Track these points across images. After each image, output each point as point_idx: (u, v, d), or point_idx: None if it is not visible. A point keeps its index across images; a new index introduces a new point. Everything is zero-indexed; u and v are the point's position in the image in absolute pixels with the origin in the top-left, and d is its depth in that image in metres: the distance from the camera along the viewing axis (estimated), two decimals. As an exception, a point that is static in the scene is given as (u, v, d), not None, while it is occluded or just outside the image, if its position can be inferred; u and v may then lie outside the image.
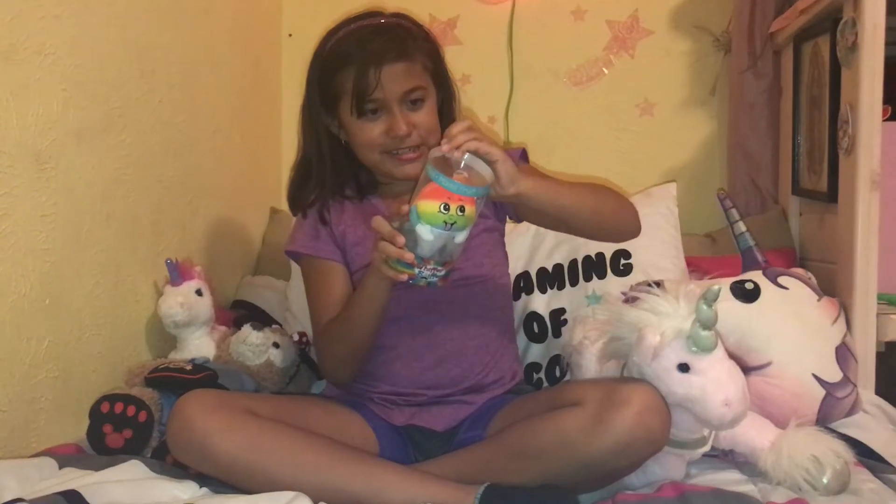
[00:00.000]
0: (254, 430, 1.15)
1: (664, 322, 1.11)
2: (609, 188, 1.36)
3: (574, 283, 1.71)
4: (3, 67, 1.20)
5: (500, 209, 1.43)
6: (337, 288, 1.39)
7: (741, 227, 1.57)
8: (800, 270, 1.58)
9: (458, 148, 1.12)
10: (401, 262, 1.13)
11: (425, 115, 1.34)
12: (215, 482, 1.16)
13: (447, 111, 1.42)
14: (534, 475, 1.12)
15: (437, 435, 1.34)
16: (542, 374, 1.65)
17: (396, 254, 1.13)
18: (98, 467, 1.16)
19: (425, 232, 1.11)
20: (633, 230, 1.37)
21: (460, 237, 1.14)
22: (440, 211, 1.10)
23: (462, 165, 1.13)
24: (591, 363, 1.32)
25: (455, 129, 1.13)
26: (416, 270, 1.14)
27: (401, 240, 1.13)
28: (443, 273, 1.15)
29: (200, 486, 1.13)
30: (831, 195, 1.67)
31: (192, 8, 1.77)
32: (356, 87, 1.30)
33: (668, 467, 1.20)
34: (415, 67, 1.33)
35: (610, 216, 1.31)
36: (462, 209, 1.11)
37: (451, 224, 1.11)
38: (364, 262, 1.36)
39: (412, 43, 1.34)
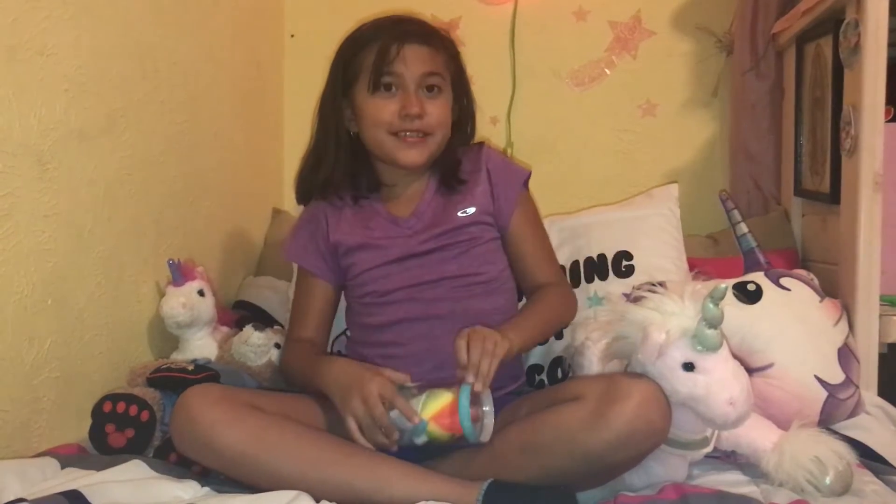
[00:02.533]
0: (258, 424, 1.15)
1: (669, 320, 1.11)
2: (568, 299, 1.47)
3: (576, 284, 1.70)
4: (6, 68, 1.20)
5: (500, 218, 1.44)
6: (315, 304, 1.45)
7: (743, 228, 1.57)
8: (802, 272, 1.58)
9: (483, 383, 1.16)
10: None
11: (439, 107, 1.37)
12: (217, 482, 1.16)
13: (464, 124, 1.44)
14: (536, 470, 1.13)
15: (438, 435, 1.34)
16: (544, 376, 1.64)
17: (382, 446, 1.17)
18: (100, 467, 1.16)
19: (421, 439, 1.17)
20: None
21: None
22: (449, 437, 1.16)
23: (483, 409, 1.17)
24: (593, 364, 1.32)
25: (483, 364, 1.17)
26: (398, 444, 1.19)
27: (394, 437, 1.17)
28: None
29: (202, 486, 1.13)
30: (834, 196, 1.67)
31: (195, 9, 1.77)
32: (377, 59, 1.33)
33: (670, 468, 1.20)
34: (438, 57, 1.37)
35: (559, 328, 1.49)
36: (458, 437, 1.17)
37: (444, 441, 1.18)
38: (359, 269, 1.39)
39: (438, 39, 1.39)
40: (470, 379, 1.16)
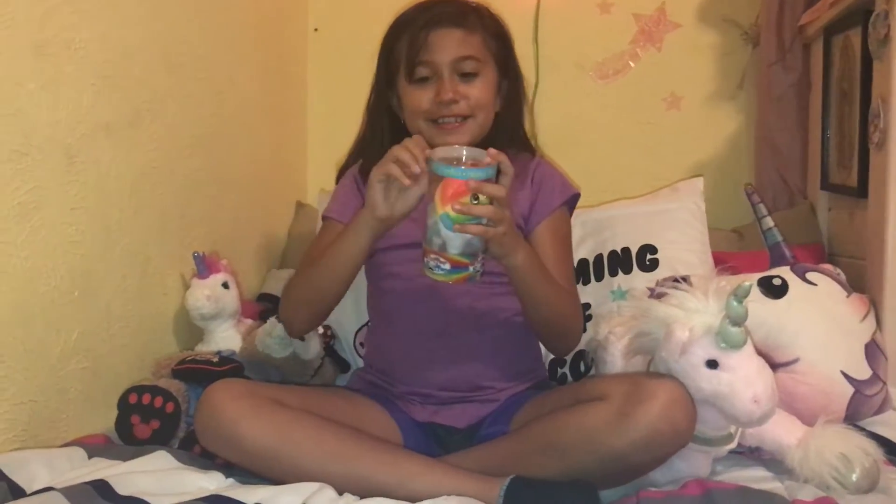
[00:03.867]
0: (281, 418, 1.15)
1: (693, 318, 1.11)
2: (578, 310, 1.38)
3: (599, 278, 1.70)
4: (34, 62, 1.21)
5: (528, 222, 1.40)
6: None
7: (769, 222, 1.55)
8: (828, 266, 1.56)
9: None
10: (456, 267, 1.12)
11: (477, 89, 1.34)
12: (241, 473, 1.17)
13: (514, 102, 1.42)
14: (557, 469, 1.12)
15: (459, 431, 1.34)
16: (566, 370, 1.64)
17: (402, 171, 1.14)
18: (126, 457, 1.17)
19: (462, 235, 1.10)
20: (560, 353, 1.45)
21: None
22: (471, 202, 1.09)
23: (464, 156, 1.12)
24: (616, 358, 1.32)
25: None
26: (471, 269, 1.13)
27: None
28: (485, 258, 1.15)
29: (227, 477, 1.14)
30: (861, 190, 1.65)
31: (219, 3, 1.78)
32: (409, 49, 1.32)
33: (693, 464, 1.19)
34: (472, 38, 1.34)
35: (555, 332, 1.34)
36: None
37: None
38: (384, 245, 1.35)
39: (476, 18, 1.35)
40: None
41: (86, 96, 1.32)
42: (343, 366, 1.71)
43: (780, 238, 1.54)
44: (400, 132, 1.37)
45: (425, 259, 1.14)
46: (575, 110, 2.19)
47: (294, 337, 1.44)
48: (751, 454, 1.30)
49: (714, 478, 1.21)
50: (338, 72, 2.24)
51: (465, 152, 1.13)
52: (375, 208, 1.20)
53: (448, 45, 1.32)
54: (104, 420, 1.35)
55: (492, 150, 1.14)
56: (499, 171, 1.14)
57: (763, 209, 1.56)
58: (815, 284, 1.44)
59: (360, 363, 1.66)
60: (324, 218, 1.44)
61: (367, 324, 1.60)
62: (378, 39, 1.41)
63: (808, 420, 1.25)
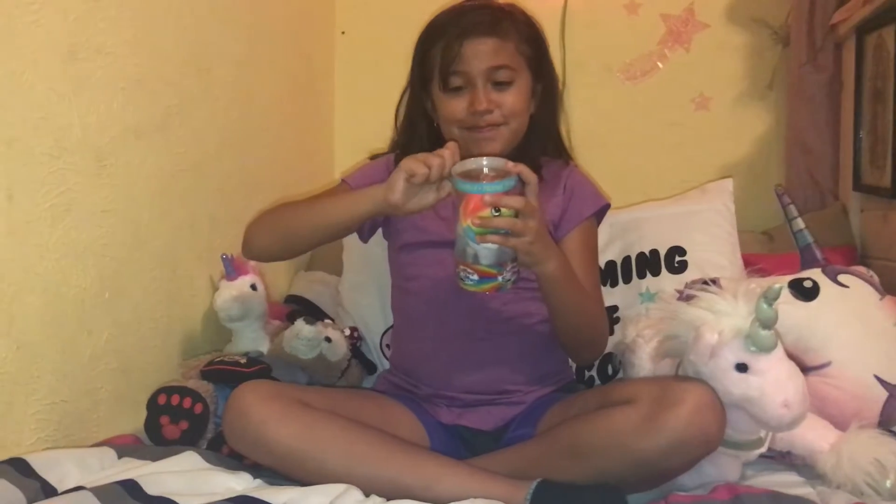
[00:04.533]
0: (308, 420, 1.16)
1: (722, 320, 1.09)
2: (604, 321, 1.40)
3: (627, 280, 1.69)
4: (66, 67, 1.23)
5: (557, 230, 1.39)
6: None
7: (800, 223, 1.53)
8: (861, 268, 1.54)
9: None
10: (484, 278, 1.14)
11: (511, 97, 1.33)
12: (269, 473, 1.17)
13: (548, 104, 1.41)
14: (585, 473, 1.11)
15: (485, 433, 1.33)
16: (593, 372, 1.63)
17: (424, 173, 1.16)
18: (155, 458, 1.18)
19: (488, 246, 1.12)
20: (585, 362, 1.54)
21: None
22: (495, 217, 1.11)
23: (485, 168, 1.14)
24: (644, 361, 1.31)
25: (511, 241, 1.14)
26: (500, 279, 1.15)
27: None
28: (517, 268, 1.16)
29: (254, 478, 1.14)
30: (895, 191, 1.62)
31: (247, 7, 1.79)
32: (442, 60, 1.32)
33: (722, 468, 1.18)
34: (506, 46, 1.33)
35: (581, 341, 1.34)
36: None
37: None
38: (408, 240, 1.37)
39: (509, 24, 1.34)
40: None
41: (116, 100, 1.34)
42: (369, 368, 1.72)
43: (811, 240, 1.52)
44: (437, 135, 1.38)
45: (456, 269, 1.16)
46: (602, 112, 2.18)
47: (244, 253, 1.41)
48: (781, 459, 1.29)
49: (744, 482, 1.19)
50: (365, 75, 2.25)
51: (485, 163, 1.15)
52: (392, 192, 1.20)
53: (481, 55, 1.31)
54: (134, 420, 1.36)
55: (510, 163, 1.15)
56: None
57: (794, 210, 1.55)
58: (847, 287, 1.42)
59: (387, 365, 1.66)
60: (341, 181, 1.45)
61: (392, 326, 1.60)
62: (405, 43, 1.42)
63: (840, 425, 1.24)
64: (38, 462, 1.08)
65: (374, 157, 1.50)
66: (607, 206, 1.45)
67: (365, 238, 1.46)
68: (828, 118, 2.00)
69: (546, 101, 1.41)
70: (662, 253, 1.66)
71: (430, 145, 1.33)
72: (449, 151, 1.19)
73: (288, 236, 1.33)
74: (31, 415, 1.19)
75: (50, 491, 1.04)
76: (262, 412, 1.15)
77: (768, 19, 2.09)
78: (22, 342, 1.17)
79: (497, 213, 1.11)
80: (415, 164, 1.18)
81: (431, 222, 1.36)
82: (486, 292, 1.17)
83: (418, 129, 1.41)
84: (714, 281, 1.20)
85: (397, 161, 1.39)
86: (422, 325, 1.39)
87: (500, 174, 1.14)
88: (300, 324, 1.52)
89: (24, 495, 1.00)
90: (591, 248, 1.42)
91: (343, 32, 2.29)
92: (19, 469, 1.05)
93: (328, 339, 1.54)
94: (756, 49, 2.11)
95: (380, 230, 1.48)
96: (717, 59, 2.13)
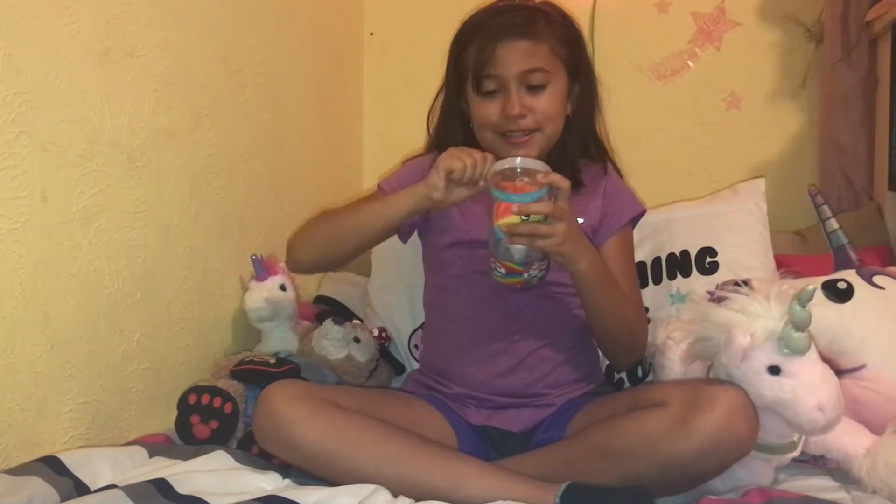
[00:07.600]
0: (337, 421, 1.16)
1: (754, 323, 1.08)
2: (643, 322, 1.40)
3: (657, 281, 1.67)
4: (99, 69, 1.24)
5: (596, 236, 1.39)
6: None
7: (833, 224, 1.51)
8: (897, 270, 1.51)
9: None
10: (510, 272, 1.20)
11: (545, 101, 1.32)
12: (298, 473, 1.18)
13: (586, 105, 1.40)
14: (615, 476, 1.11)
15: (514, 435, 1.33)
16: (623, 375, 1.62)
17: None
18: (185, 457, 1.19)
19: (517, 246, 1.17)
20: (623, 366, 1.48)
21: None
22: (521, 223, 1.15)
23: (519, 170, 1.17)
24: (675, 364, 1.30)
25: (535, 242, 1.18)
26: (525, 275, 1.20)
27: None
28: (546, 265, 1.21)
29: (284, 478, 1.15)
30: (931, 191, 1.60)
31: (276, 9, 1.80)
32: (475, 63, 1.31)
33: (755, 472, 1.17)
34: (540, 48, 1.31)
35: (619, 343, 1.35)
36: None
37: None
38: (458, 237, 1.37)
39: (544, 25, 1.32)
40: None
41: (147, 102, 1.35)
42: (398, 368, 1.72)
43: (845, 240, 1.49)
44: (473, 137, 1.38)
45: (490, 261, 1.22)
46: (632, 111, 2.16)
47: (289, 267, 1.43)
48: (815, 463, 1.27)
49: (776, 486, 1.18)
50: (393, 76, 2.26)
51: (519, 163, 1.18)
52: (433, 187, 1.23)
53: (515, 58, 1.29)
54: (164, 419, 1.38)
55: (541, 172, 1.16)
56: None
57: (827, 211, 1.52)
58: (882, 288, 1.39)
59: (415, 366, 1.66)
60: (378, 187, 1.45)
61: (421, 326, 1.60)
62: (434, 44, 1.41)
63: (875, 429, 1.22)
64: (72, 460, 1.09)
65: (407, 161, 1.50)
66: (644, 213, 1.45)
67: (404, 238, 1.45)
68: (862, 117, 1.96)
69: (584, 102, 1.40)
70: (693, 254, 1.65)
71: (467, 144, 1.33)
72: (483, 156, 1.22)
73: (333, 245, 1.34)
74: (65, 413, 1.21)
75: (83, 489, 1.06)
76: (291, 412, 1.15)
77: (801, 16, 2.06)
78: (56, 341, 1.18)
79: (526, 219, 1.15)
80: (452, 161, 1.21)
81: (475, 223, 1.36)
82: (512, 285, 1.23)
83: (454, 131, 1.39)
84: (746, 282, 1.18)
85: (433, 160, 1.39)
86: (457, 325, 1.39)
87: (533, 182, 1.16)
88: (329, 324, 1.53)
89: (57, 493, 1.02)
90: (630, 253, 1.43)
91: (371, 34, 2.30)
92: (53, 467, 1.06)
93: (357, 340, 1.55)
94: (788, 47, 2.08)
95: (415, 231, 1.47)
96: (748, 57, 2.10)
